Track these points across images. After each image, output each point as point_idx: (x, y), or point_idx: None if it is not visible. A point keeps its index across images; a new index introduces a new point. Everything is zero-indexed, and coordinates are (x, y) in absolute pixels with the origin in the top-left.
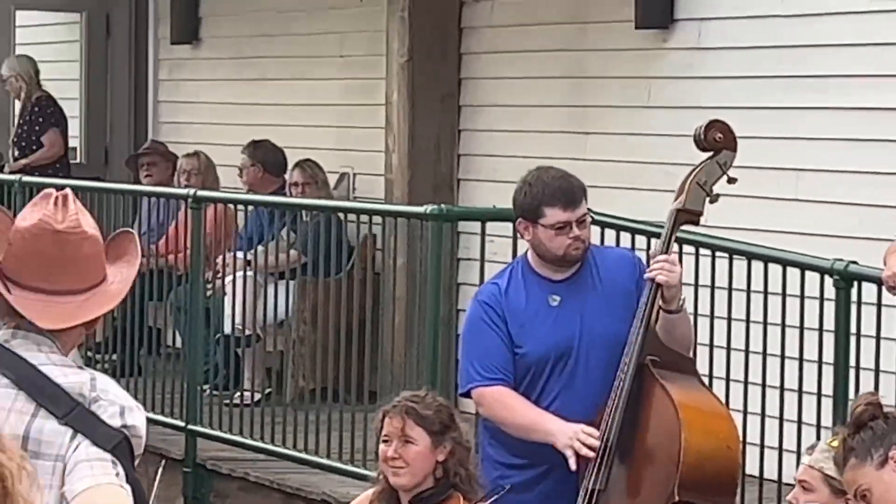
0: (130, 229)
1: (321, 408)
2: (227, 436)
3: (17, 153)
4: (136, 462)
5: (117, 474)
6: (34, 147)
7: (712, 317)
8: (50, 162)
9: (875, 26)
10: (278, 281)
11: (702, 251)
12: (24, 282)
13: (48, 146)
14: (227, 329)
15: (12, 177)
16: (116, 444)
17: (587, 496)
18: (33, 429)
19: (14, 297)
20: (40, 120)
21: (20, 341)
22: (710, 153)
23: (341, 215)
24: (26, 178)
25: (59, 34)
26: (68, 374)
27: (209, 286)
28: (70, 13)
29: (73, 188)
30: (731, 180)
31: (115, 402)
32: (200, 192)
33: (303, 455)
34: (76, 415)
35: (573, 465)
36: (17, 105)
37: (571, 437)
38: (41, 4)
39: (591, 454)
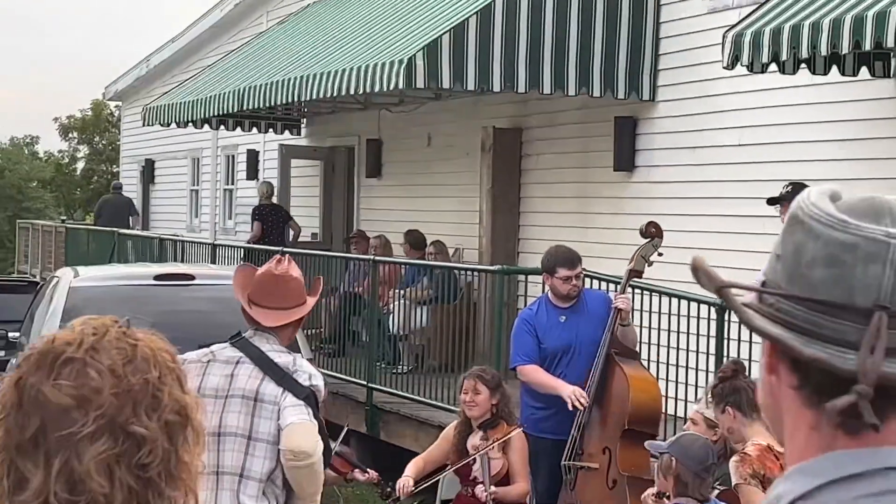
0: (320, 276)
1: (440, 375)
2: (390, 389)
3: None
4: (320, 405)
5: (307, 413)
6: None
7: (650, 328)
8: (256, 240)
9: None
10: (420, 306)
11: (645, 293)
12: (259, 302)
13: (254, 232)
14: (392, 331)
15: (276, 248)
16: (306, 395)
17: (579, 426)
18: (260, 388)
19: (253, 311)
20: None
21: (257, 337)
22: (648, 238)
23: (455, 271)
24: (287, 249)
25: (309, 171)
26: (282, 356)
27: (383, 308)
28: (315, 160)
29: (311, 255)
30: (660, 254)
31: (305, 372)
32: (377, 258)
33: (429, 400)
34: (284, 379)
35: (570, 408)
36: None
37: (570, 393)
38: (302, 155)
39: (580, 406)
